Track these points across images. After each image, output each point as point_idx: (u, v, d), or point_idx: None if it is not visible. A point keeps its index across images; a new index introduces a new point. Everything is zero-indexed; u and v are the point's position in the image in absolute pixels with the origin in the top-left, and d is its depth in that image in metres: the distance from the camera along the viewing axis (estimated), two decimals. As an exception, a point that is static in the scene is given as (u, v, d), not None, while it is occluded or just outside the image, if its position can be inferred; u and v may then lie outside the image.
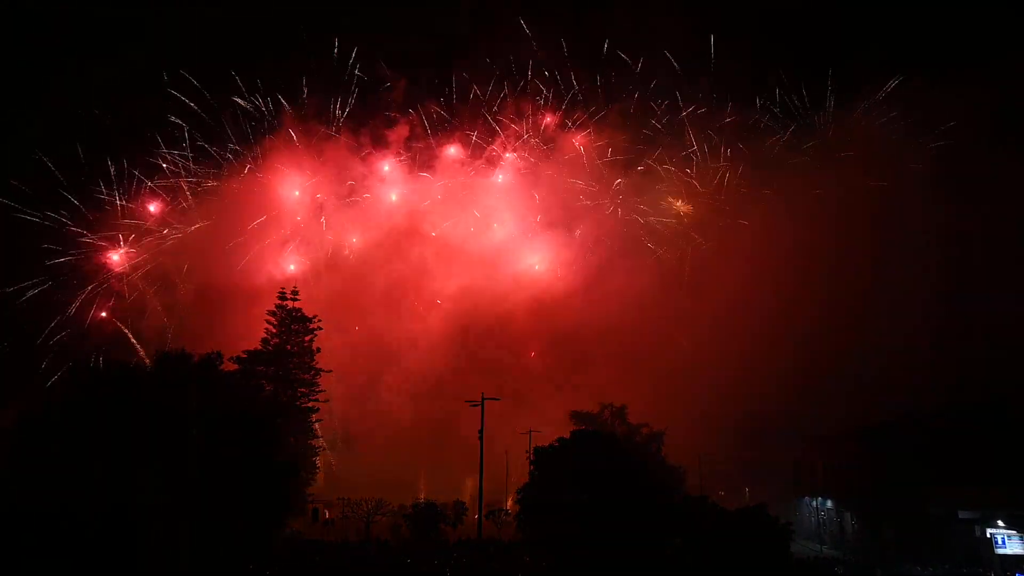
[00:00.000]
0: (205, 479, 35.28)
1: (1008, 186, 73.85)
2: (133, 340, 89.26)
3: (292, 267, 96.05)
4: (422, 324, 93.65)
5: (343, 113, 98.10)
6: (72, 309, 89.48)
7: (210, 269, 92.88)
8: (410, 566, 46.43)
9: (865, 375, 71.10)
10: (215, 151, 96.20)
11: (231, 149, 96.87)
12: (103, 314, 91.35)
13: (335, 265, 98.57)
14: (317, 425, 73.75)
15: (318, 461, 73.94)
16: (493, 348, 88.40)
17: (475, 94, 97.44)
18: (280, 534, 45.53)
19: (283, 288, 76.82)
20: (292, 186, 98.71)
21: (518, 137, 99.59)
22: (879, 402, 64.65)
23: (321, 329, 75.98)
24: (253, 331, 74.36)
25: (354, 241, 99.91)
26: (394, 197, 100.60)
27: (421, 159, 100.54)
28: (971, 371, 60.83)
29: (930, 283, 76.27)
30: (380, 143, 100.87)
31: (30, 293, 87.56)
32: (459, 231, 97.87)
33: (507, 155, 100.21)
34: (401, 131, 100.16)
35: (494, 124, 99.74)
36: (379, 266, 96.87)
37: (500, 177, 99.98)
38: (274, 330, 74.58)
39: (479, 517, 50.35)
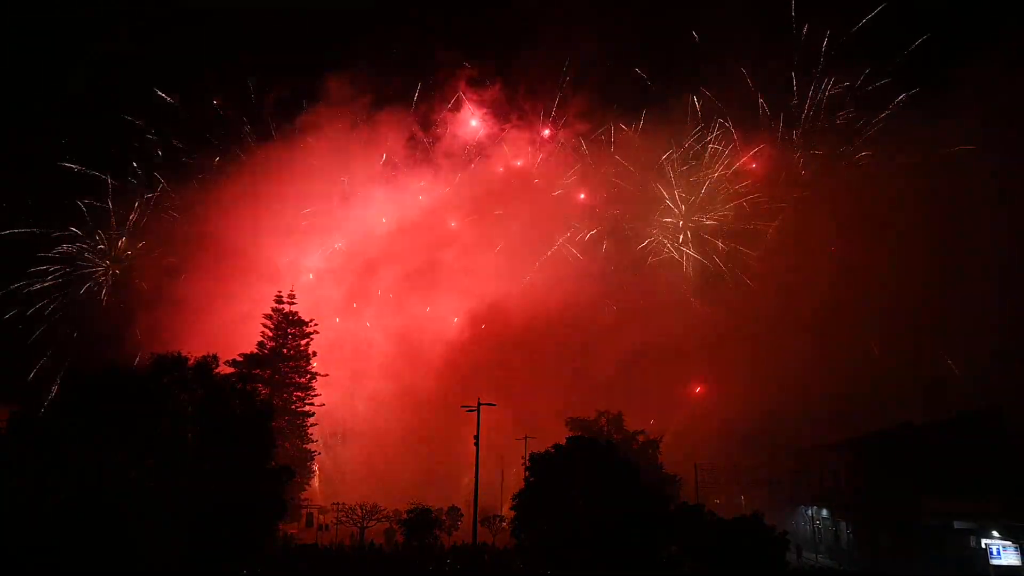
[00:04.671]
0: (199, 483, 35.14)
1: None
2: (131, 339, 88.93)
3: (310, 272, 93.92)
4: (424, 326, 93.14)
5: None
6: (70, 307, 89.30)
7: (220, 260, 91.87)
8: (404, 571, 46.26)
9: (862, 384, 71.09)
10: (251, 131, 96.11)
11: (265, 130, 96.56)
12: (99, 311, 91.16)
13: (355, 254, 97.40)
14: (312, 429, 73.73)
15: (313, 465, 73.84)
16: (491, 352, 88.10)
17: (531, 86, 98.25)
18: (274, 538, 45.34)
19: (280, 292, 76.99)
20: (324, 170, 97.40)
21: (576, 134, 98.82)
22: (875, 412, 64.61)
23: (318, 332, 76.06)
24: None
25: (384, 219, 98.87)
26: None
27: (468, 152, 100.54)
28: (968, 381, 60.87)
29: (928, 291, 76.37)
30: (428, 129, 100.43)
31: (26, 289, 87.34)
32: (483, 228, 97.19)
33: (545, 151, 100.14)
34: (449, 119, 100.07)
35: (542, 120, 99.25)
36: (392, 260, 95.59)
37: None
38: (270, 333, 74.76)
39: (474, 523, 50.24)
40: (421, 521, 50.75)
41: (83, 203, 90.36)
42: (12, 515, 31.34)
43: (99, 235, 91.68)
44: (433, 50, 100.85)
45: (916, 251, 78.06)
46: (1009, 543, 43.82)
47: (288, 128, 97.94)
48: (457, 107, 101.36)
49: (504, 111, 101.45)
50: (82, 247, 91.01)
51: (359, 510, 60.21)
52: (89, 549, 31.46)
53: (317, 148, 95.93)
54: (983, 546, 44.76)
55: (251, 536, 37.21)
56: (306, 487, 71.51)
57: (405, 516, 53.04)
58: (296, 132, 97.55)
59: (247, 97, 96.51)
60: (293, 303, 75.97)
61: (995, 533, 44.46)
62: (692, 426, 75.52)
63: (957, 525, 46.16)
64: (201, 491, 34.69)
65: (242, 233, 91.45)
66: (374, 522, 60.33)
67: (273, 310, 75.24)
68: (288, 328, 74.97)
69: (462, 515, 63.91)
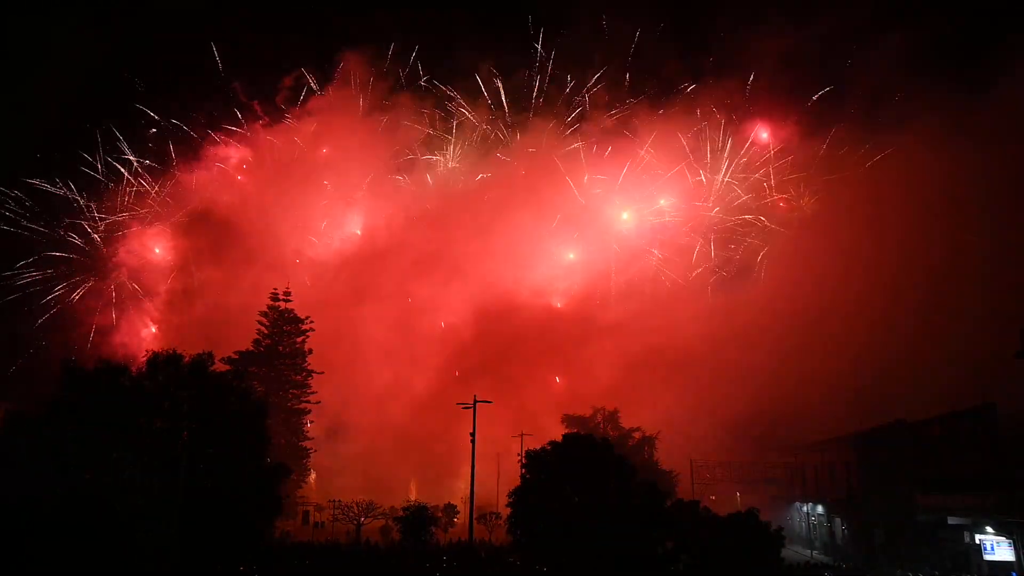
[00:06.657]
0: (196, 480, 35.14)
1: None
2: (129, 335, 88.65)
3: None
4: (421, 323, 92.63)
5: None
6: (69, 303, 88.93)
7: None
8: (399, 568, 46.26)
9: (856, 381, 71.24)
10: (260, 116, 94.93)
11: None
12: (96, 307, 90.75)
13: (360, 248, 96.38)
14: (309, 426, 73.67)
15: (309, 463, 73.79)
16: (488, 350, 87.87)
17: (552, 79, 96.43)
18: (270, 536, 45.34)
19: (275, 289, 76.89)
20: (332, 159, 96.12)
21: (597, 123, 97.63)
22: (870, 408, 64.74)
23: (313, 330, 75.96)
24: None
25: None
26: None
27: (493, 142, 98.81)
28: (961, 377, 60.95)
29: (921, 288, 76.49)
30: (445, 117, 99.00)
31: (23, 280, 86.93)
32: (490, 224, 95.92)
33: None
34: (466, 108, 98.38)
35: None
36: (394, 253, 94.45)
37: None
38: (266, 331, 74.69)
39: (470, 520, 50.27)
40: (417, 518, 50.71)
41: (81, 192, 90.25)
42: (9, 513, 31.30)
43: (97, 227, 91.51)
44: (454, 36, 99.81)
45: (915, 249, 78.31)
46: (1003, 538, 43.97)
47: (301, 112, 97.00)
48: (475, 95, 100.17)
49: (529, 98, 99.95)
50: (80, 241, 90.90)
51: (355, 507, 60.23)
52: (85, 546, 31.44)
53: (327, 134, 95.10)
54: (977, 541, 44.95)
55: (246, 533, 37.23)
56: (302, 484, 71.51)
57: (401, 513, 53.03)
58: (308, 116, 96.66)
59: (259, 80, 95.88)
60: (289, 300, 75.85)
61: (989, 529, 44.62)
62: (688, 423, 75.49)
63: (951, 521, 46.34)
64: (196, 489, 34.70)
65: (245, 221, 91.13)
66: (370, 519, 60.36)
67: (269, 307, 75.14)
68: (284, 326, 74.95)
69: (458, 512, 64.01)
